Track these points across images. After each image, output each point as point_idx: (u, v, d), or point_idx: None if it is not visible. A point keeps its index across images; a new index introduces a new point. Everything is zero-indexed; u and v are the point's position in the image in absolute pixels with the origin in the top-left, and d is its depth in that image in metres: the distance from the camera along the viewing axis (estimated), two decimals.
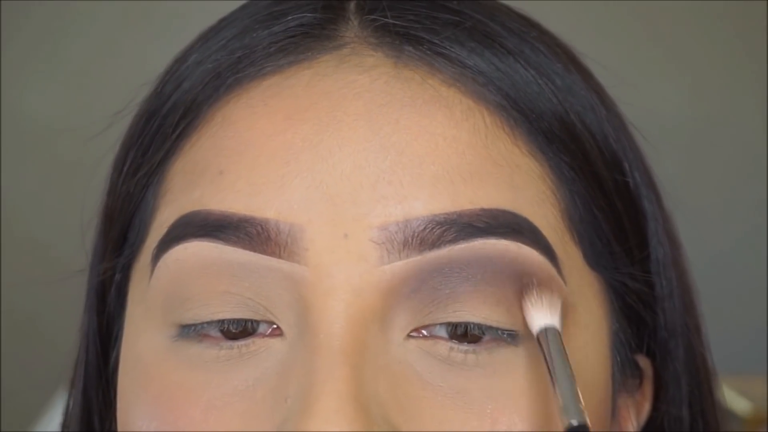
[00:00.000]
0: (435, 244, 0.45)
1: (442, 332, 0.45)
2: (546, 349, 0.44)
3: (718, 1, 2.24)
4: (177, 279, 0.46)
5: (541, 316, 0.45)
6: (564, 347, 0.44)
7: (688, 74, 2.28)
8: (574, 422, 0.42)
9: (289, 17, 0.49)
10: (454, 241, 0.45)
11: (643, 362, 0.53)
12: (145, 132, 0.51)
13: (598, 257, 0.49)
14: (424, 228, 0.45)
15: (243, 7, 0.52)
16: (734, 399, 1.77)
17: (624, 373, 0.51)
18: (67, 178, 1.94)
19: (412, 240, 0.45)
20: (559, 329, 0.45)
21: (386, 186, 0.45)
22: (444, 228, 0.45)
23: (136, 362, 0.48)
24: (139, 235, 0.50)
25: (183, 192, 0.48)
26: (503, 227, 0.45)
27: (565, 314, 0.46)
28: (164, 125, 0.50)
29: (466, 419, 0.44)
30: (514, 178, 0.47)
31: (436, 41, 0.48)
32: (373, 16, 0.49)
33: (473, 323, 0.45)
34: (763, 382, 1.85)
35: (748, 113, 2.29)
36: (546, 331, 0.45)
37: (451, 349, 0.45)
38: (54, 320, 1.55)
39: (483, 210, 0.45)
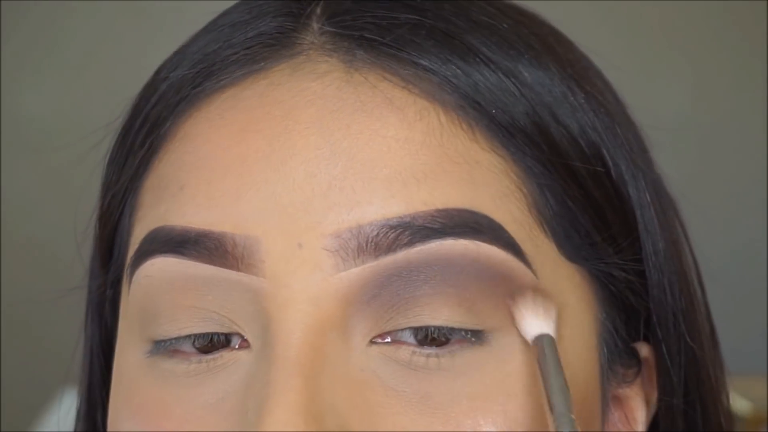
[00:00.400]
0: (390, 249, 0.44)
1: (408, 337, 0.45)
2: (541, 357, 0.44)
3: (720, 1, 2.24)
4: (147, 295, 0.47)
5: (536, 323, 0.45)
6: (559, 356, 0.44)
7: (691, 72, 2.28)
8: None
9: (249, 27, 0.49)
10: (410, 244, 0.44)
11: (645, 349, 0.52)
12: (122, 148, 0.51)
13: (576, 249, 0.48)
14: (377, 233, 0.44)
15: (220, 16, 0.52)
16: (734, 399, 1.77)
17: (616, 363, 0.50)
18: (65, 177, 1.93)
19: (367, 246, 0.44)
20: (554, 336, 0.45)
21: (338, 193, 0.45)
22: (398, 232, 0.44)
23: (121, 377, 0.49)
24: (121, 252, 0.51)
25: (151, 208, 0.48)
26: (460, 227, 0.45)
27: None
28: (134, 142, 0.50)
29: (430, 423, 0.44)
30: (474, 175, 0.46)
31: (389, 42, 0.47)
32: (330, 21, 0.49)
33: (434, 326, 0.45)
34: (763, 382, 1.85)
35: (750, 111, 2.28)
36: (541, 339, 0.44)
37: (413, 353, 0.45)
38: (54, 320, 1.55)
39: (438, 210, 0.45)
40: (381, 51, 0.47)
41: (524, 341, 0.45)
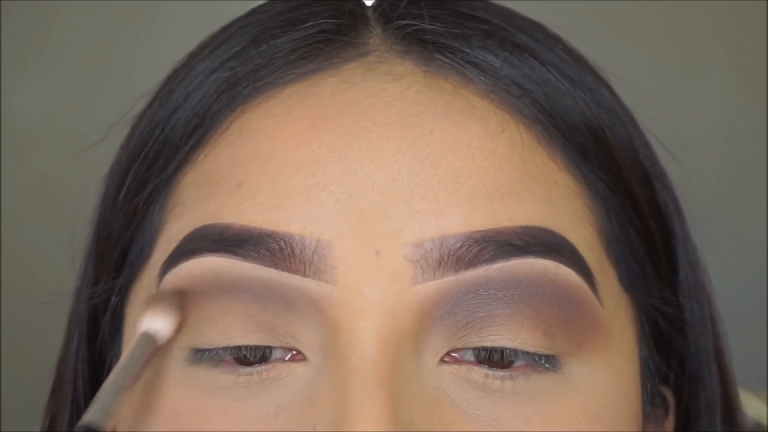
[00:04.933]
0: (471, 263, 0.42)
1: (472, 356, 0.43)
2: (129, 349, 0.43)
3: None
4: (188, 298, 0.44)
5: (150, 319, 0.43)
6: (140, 355, 0.42)
7: (737, 72, 2.23)
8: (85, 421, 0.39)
9: (309, 23, 0.47)
10: (491, 260, 0.42)
11: (667, 394, 0.51)
12: (150, 144, 0.48)
13: (632, 279, 0.47)
14: (461, 246, 0.42)
15: (250, 14, 0.50)
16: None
17: (653, 404, 0.49)
18: (58, 183, 1.92)
19: (448, 258, 0.42)
20: (155, 335, 0.43)
21: (421, 201, 0.42)
22: (481, 246, 0.42)
23: (143, 385, 0.45)
24: (142, 253, 0.48)
25: (196, 204, 0.45)
26: (541, 246, 0.43)
27: (600, 338, 0.44)
28: (173, 137, 0.47)
29: None
30: (552, 195, 0.44)
31: (468, 50, 0.46)
32: (400, 23, 0.47)
33: (510, 348, 0.43)
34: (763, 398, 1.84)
35: None
36: (142, 334, 0.43)
37: (487, 376, 0.43)
38: (54, 321, 1.53)
39: (522, 228, 0.43)
40: (461, 57, 0.46)
41: (593, 368, 0.44)
